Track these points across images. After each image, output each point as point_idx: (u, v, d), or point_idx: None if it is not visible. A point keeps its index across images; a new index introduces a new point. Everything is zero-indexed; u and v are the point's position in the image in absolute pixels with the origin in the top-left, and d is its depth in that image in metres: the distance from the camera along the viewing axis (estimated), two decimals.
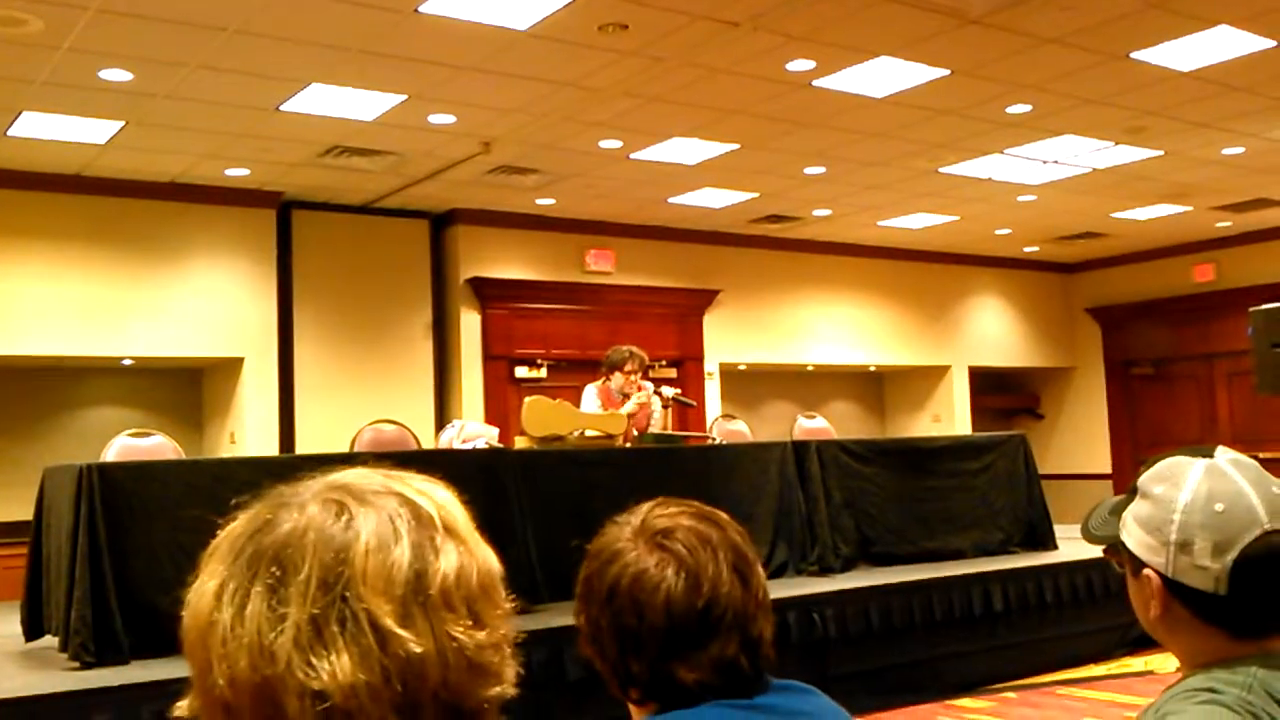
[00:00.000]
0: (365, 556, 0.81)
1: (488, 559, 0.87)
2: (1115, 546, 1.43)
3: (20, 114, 7.08)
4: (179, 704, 0.84)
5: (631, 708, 1.42)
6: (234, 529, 0.86)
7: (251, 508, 0.87)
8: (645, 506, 1.45)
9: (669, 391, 7.47)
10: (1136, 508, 1.40)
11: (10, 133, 7.41)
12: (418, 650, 0.79)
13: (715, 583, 1.36)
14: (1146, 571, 1.37)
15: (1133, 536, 1.40)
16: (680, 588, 1.35)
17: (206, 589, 0.83)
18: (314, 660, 0.77)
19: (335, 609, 0.79)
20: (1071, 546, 7.38)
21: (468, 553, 0.85)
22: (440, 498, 0.88)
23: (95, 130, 7.45)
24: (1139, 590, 1.40)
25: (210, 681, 0.80)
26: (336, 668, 0.77)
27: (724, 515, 1.46)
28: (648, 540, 1.39)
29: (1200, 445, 1.42)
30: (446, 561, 0.83)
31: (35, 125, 7.29)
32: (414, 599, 0.81)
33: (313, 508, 0.84)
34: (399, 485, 0.87)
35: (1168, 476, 1.38)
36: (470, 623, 0.82)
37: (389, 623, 0.79)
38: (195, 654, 0.82)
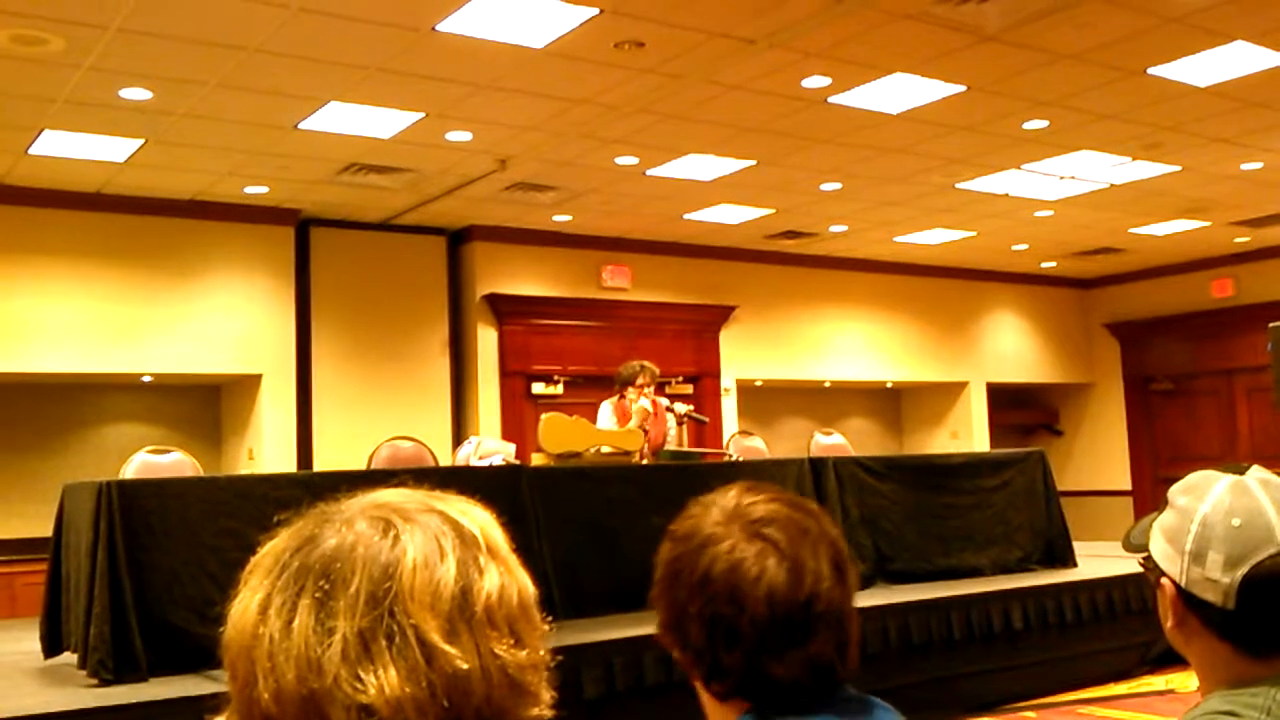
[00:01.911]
0: (413, 573, 0.81)
1: (525, 581, 0.88)
2: (1148, 557, 1.44)
3: (41, 132, 7.13)
4: (215, 719, 0.84)
5: (709, 700, 1.36)
6: (277, 544, 0.86)
7: (294, 524, 0.88)
8: (732, 491, 1.39)
9: (681, 408, 7.45)
10: (1163, 517, 1.41)
11: (31, 151, 7.46)
12: (464, 667, 0.80)
13: (817, 577, 1.30)
14: (1163, 580, 1.38)
15: (1157, 545, 1.41)
16: (783, 580, 1.29)
17: (251, 603, 0.83)
18: (361, 674, 0.78)
19: (383, 624, 0.79)
20: (1091, 564, 7.33)
21: (508, 573, 0.87)
22: (481, 519, 0.89)
23: (115, 148, 7.50)
24: (1160, 599, 1.41)
25: (254, 695, 0.80)
26: (384, 682, 0.77)
27: (815, 505, 1.40)
28: (744, 527, 1.33)
29: (1236, 463, 1.43)
30: (490, 581, 0.84)
31: (56, 143, 7.34)
32: (460, 616, 0.81)
33: (360, 524, 0.84)
34: (441, 505, 0.89)
35: (1193, 488, 1.39)
36: (512, 642, 0.83)
37: (436, 638, 0.79)
38: (238, 667, 0.82)
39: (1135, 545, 1.47)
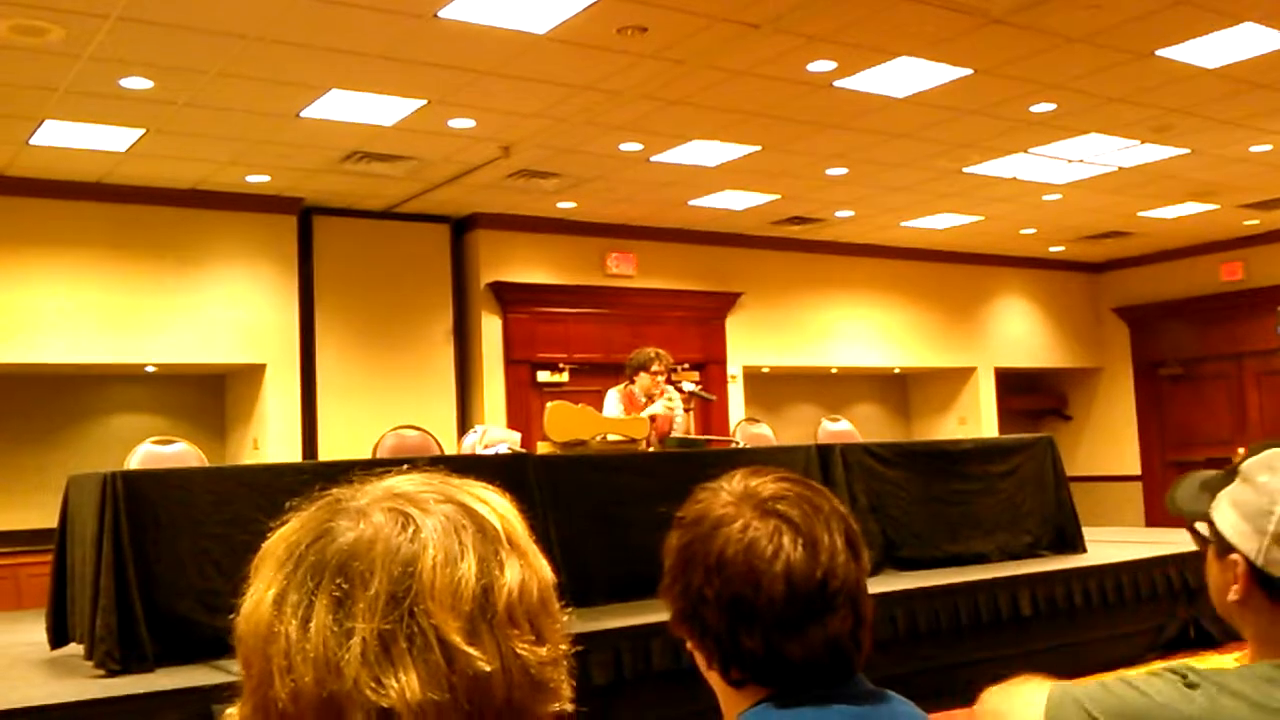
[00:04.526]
0: (433, 571, 0.79)
1: (544, 570, 0.86)
2: (1199, 524, 1.42)
3: (42, 123, 7.10)
4: (228, 711, 0.83)
5: (724, 690, 1.33)
6: (289, 534, 0.84)
7: (305, 510, 0.85)
8: (737, 475, 1.37)
9: (687, 386, 7.41)
10: (1236, 491, 1.38)
11: (32, 141, 7.44)
12: (485, 669, 0.78)
13: (831, 553, 1.28)
14: (1234, 556, 1.36)
15: (1227, 520, 1.38)
16: (799, 557, 1.27)
17: (265, 597, 0.81)
18: (382, 677, 0.76)
19: (403, 625, 0.77)
20: (1101, 549, 7.30)
21: (528, 566, 0.84)
22: (501, 507, 0.87)
23: (116, 138, 7.48)
24: (1221, 572, 1.39)
25: (272, 694, 0.78)
26: (405, 685, 0.76)
27: (822, 485, 1.38)
28: (755, 506, 1.31)
29: None
30: (510, 575, 0.82)
31: (57, 134, 7.32)
32: (481, 616, 0.79)
33: (377, 516, 0.82)
34: (459, 494, 0.86)
35: (1276, 466, 1.37)
36: (533, 639, 0.82)
37: (457, 640, 0.78)
38: (253, 663, 0.80)
39: (1189, 511, 1.45)
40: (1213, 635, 6.48)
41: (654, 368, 7.07)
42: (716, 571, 1.28)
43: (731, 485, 1.35)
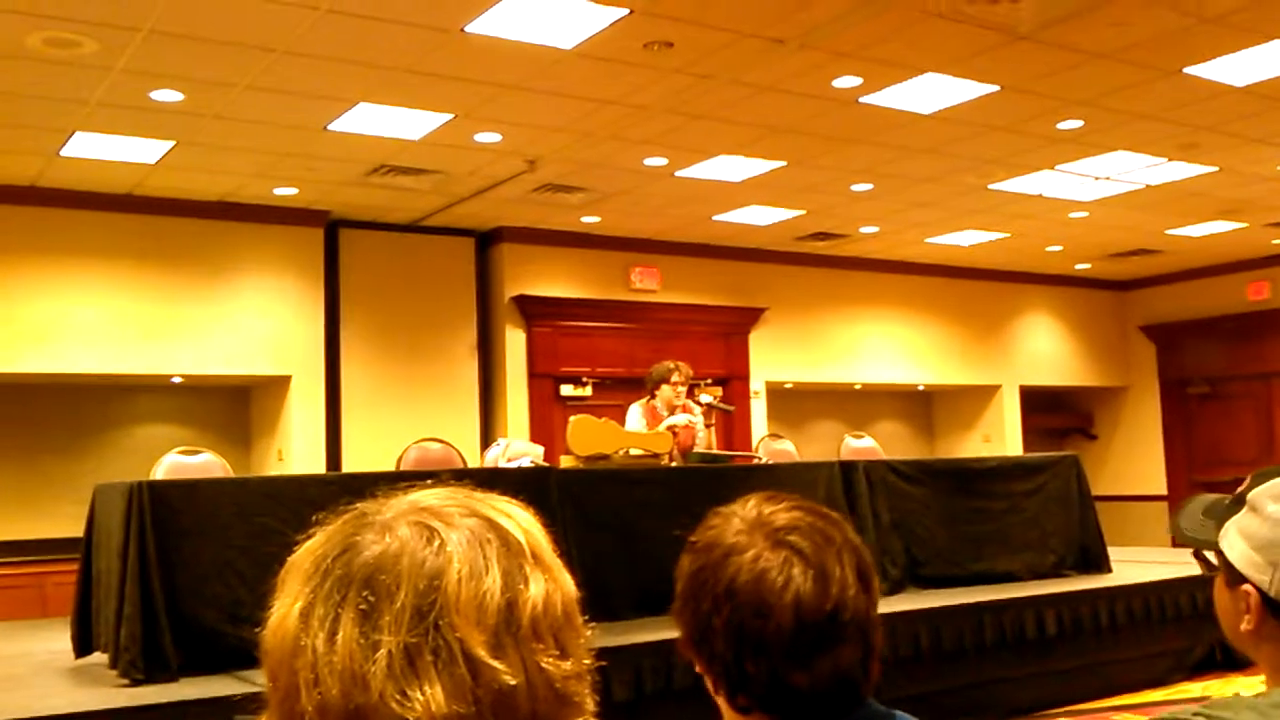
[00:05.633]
0: (458, 584, 0.79)
1: (569, 584, 0.86)
2: (1205, 550, 1.41)
3: (73, 134, 7.17)
4: None
5: (731, 715, 1.34)
6: (315, 547, 0.84)
7: (331, 524, 0.86)
8: (752, 500, 1.38)
9: (706, 398, 7.40)
10: (1245, 522, 1.37)
11: (63, 153, 7.51)
12: (510, 683, 0.78)
13: (842, 585, 1.29)
14: (1246, 587, 1.35)
15: (1235, 549, 1.37)
16: (809, 589, 1.28)
17: (292, 610, 0.81)
18: (407, 690, 0.76)
19: (429, 639, 0.77)
20: (1126, 570, 7.24)
21: (552, 580, 0.85)
22: (525, 522, 0.87)
23: (146, 150, 7.54)
24: (1233, 601, 1.38)
25: (299, 708, 0.78)
26: (430, 699, 0.76)
27: (836, 514, 1.39)
28: (767, 536, 1.32)
29: None
30: (535, 589, 0.82)
31: (87, 145, 7.39)
32: (506, 630, 0.80)
33: (402, 529, 0.82)
34: (483, 508, 0.86)
35: None
36: (557, 653, 0.82)
37: (482, 654, 0.78)
38: (279, 676, 0.80)
39: (1195, 539, 1.43)
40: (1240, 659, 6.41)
41: (674, 378, 7.07)
42: (726, 599, 1.29)
43: (745, 512, 1.36)
